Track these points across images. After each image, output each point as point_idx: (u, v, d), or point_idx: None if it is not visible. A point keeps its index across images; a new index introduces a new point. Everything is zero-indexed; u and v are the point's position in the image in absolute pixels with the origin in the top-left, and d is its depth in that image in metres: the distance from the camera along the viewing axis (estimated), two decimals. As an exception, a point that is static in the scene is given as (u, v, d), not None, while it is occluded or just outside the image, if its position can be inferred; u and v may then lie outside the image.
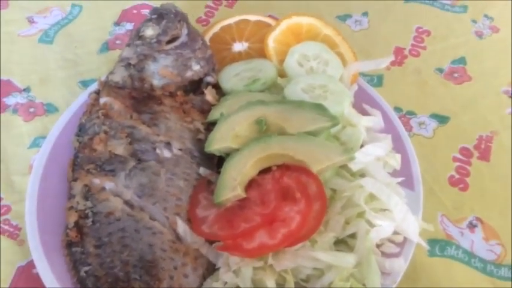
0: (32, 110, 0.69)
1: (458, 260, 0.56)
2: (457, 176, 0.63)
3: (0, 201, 0.60)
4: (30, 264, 0.55)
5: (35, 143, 0.65)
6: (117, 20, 0.81)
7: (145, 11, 0.81)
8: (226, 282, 0.49)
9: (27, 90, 0.71)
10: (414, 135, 0.67)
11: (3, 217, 0.59)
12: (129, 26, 0.80)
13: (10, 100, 0.70)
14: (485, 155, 0.65)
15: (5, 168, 0.63)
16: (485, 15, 0.83)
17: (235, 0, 0.85)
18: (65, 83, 0.72)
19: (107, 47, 0.77)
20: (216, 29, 0.70)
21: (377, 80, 0.73)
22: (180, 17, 0.64)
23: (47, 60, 0.75)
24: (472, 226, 0.58)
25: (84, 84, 0.71)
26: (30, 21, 0.80)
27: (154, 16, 0.64)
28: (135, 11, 0.82)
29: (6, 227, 0.58)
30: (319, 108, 0.54)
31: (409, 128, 0.67)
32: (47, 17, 0.81)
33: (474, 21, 0.82)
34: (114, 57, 0.73)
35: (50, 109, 0.69)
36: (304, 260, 0.49)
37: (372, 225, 0.50)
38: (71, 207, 0.53)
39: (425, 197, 0.55)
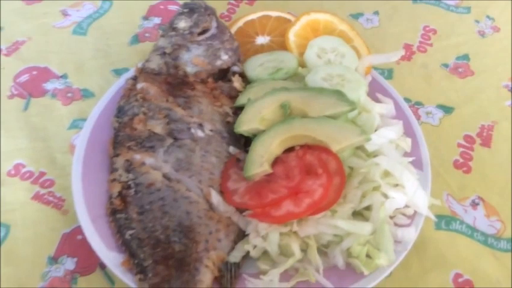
0: (69, 94, 0.73)
1: (462, 233, 0.61)
2: (461, 160, 0.68)
3: (45, 176, 0.65)
4: (74, 231, 0.60)
5: (74, 125, 0.70)
6: (146, 14, 0.86)
7: (172, 7, 0.87)
8: (255, 246, 0.54)
9: (64, 77, 0.76)
10: (422, 124, 0.71)
11: (47, 190, 0.63)
12: (157, 20, 0.85)
13: (49, 85, 0.75)
14: (486, 142, 0.70)
15: (47, 146, 0.68)
16: (487, 16, 0.87)
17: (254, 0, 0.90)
18: (98, 71, 0.76)
19: (137, 39, 0.82)
20: (240, 23, 0.75)
21: (387, 73, 0.78)
22: (210, 11, 0.69)
23: (81, 50, 0.79)
24: (474, 204, 0.63)
25: (117, 72, 0.76)
26: (64, 14, 0.85)
27: (186, 10, 0.69)
28: (162, 7, 0.87)
29: (51, 198, 0.63)
30: (339, 94, 0.59)
31: (417, 117, 0.71)
32: (80, 10, 0.86)
33: (477, 21, 0.87)
34: (144, 49, 0.79)
35: (86, 94, 0.74)
36: (325, 227, 0.54)
37: (386, 197, 0.55)
38: (114, 179, 0.58)
39: (432, 178, 0.60)
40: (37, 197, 0.63)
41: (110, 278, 0.56)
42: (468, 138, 0.71)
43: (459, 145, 0.70)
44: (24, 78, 0.76)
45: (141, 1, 0.88)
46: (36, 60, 0.78)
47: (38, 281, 0.56)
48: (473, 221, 0.62)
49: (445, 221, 0.62)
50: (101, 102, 0.66)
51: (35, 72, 0.76)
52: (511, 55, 0.82)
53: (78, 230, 0.59)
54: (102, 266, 0.57)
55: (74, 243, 0.59)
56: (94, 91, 0.74)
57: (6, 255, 0.58)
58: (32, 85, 0.75)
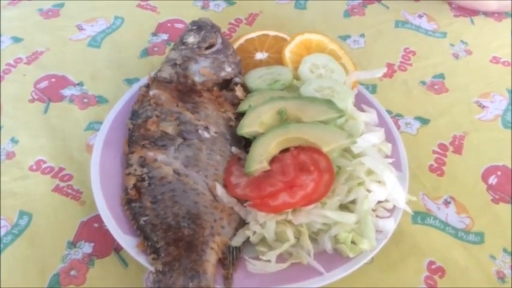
0: (85, 100, 0.80)
1: (435, 227, 0.67)
2: (436, 165, 0.75)
3: (64, 171, 0.72)
4: (91, 220, 0.66)
5: (90, 127, 0.76)
6: (154, 31, 0.93)
7: (178, 25, 0.95)
8: (255, 232, 0.60)
9: (80, 84, 0.83)
10: (401, 133, 0.78)
11: (66, 183, 0.70)
12: (165, 36, 0.92)
13: (66, 92, 0.81)
14: (458, 150, 0.77)
15: (66, 145, 0.74)
16: (461, 41, 0.96)
17: (253, 21, 0.99)
18: (112, 80, 0.83)
19: (146, 52, 0.89)
20: (241, 41, 0.83)
21: (371, 88, 0.85)
22: (216, 29, 0.77)
23: (96, 61, 0.86)
24: (446, 203, 0.70)
25: (129, 82, 0.83)
26: (80, 28, 0.92)
27: (194, 27, 0.77)
28: (169, 25, 0.95)
29: (69, 191, 0.69)
30: (329, 103, 0.65)
31: (397, 127, 0.77)
32: (94, 25, 0.93)
33: (452, 45, 0.95)
34: (153, 61, 0.87)
35: (101, 100, 0.80)
36: (316, 216, 0.59)
37: (369, 191, 0.62)
38: (129, 173, 0.63)
39: (410, 179, 0.66)
40: (57, 189, 0.69)
41: (123, 260, 0.63)
42: (442, 146, 0.78)
43: (434, 152, 0.77)
44: (43, 84, 0.83)
45: (150, 19, 0.96)
46: (54, 68, 0.85)
47: (58, 262, 0.62)
48: (446, 217, 0.69)
49: (420, 216, 0.69)
50: (116, 107, 0.73)
51: (53, 80, 0.84)
52: (481, 75, 0.90)
53: (95, 218, 0.66)
54: (117, 250, 0.63)
55: (90, 230, 0.65)
56: (108, 98, 0.81)
57: (29, 239, 0.64)
58: (51, 91, 0.82)
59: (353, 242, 0.60)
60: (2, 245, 0.64)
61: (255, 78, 0.76)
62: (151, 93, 0.71)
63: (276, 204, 0.60)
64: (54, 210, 0.67)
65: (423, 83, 0.88)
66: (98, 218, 0.64)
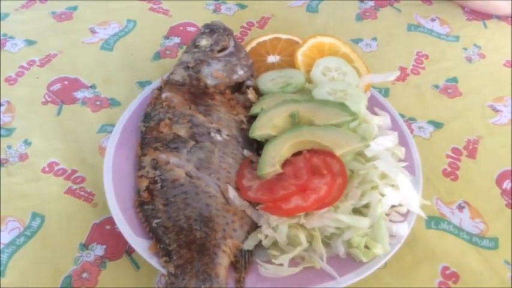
0: (98, 103, 0.81)
1: (449, 232, 0.67)
2: (449, 169, 0.74)
3: (76, 173, 0.72)
4: (103, 222, 0.66)
5: (102, 129, 0.77)
6: (166, 34, 0.94)
7: (190, 28, 0.95)
8: (267, 236, 0.59)
9: (93, 87, 0.83)
10: (415, 136, 0.77)
11: (79, 185, 0.70)
12: (177, 39, 0.93)
13: (79, 94, 0.82)
14: (472, 154, 0.76)
15: (79, 148, 0.74)
16: (474, 44, 0.95)
17: (264, 24, 0.99)
18: (124, 83, 0.83)
19: (158, 55, 0.89)
20: (253, 44, 0.83)
21: (384, 92, 0.85)
22: (228, 32, 0.77)
23: (108, 64, 0.87)
24: (460, 207, 0.70)
25: (141, 84, 0.83)
26: (92, 31, 0.93)
27: (207, 30, 0.77)
28: (181, 28, 0.95)
29: (82, 193, 0.69)
30: (342, 106, 0.65)
31: (410, 131, 0.76)
32: (107, 28, 0.94)
33: (465, 49, 0.95)
34: (165, 64, 0.87)
35: (113, 103, 0.81)
36: (329, 220, 0.59)
37: (382, 195, 0.61)
38: (142, 176, 0.64)
39: (423, 183, 0.66)
40: (69, 191, 0.69)
41: (135, 262, 0.63)
42: (456, 150, 0.77)
43: (447, 156, 0.76)
44: (56, 87, 0.83)
45: (162, 22, 0.96)
46: (67, 71, 0.86)
47: (70, 264, 0.62)
48: (460, 222, 0.68)
49: (434, 221, 0.68)
50: (129, 109, 0.73)
51: (66, 82, 0.84)
52: (494, 79, 0.89)
53: (107, 221, 0.66)
54: (129, 253, 0.63)
55: (103, 232, 0.65)
56: (120, 100, 0.81)
57: (42, 241, 0.64)
58: (64, 93, 0.82)
59: (366, 247, 0.60)
60: (14, 247, 0.64)
61: (267, 81, 0.76)
62: (163, 95, 0.71)
63: (288, 208, 0.60)
64: (67, 212, 0.67)
65: (436, 86, 0.88)
66: (110, 220, 0.64)
